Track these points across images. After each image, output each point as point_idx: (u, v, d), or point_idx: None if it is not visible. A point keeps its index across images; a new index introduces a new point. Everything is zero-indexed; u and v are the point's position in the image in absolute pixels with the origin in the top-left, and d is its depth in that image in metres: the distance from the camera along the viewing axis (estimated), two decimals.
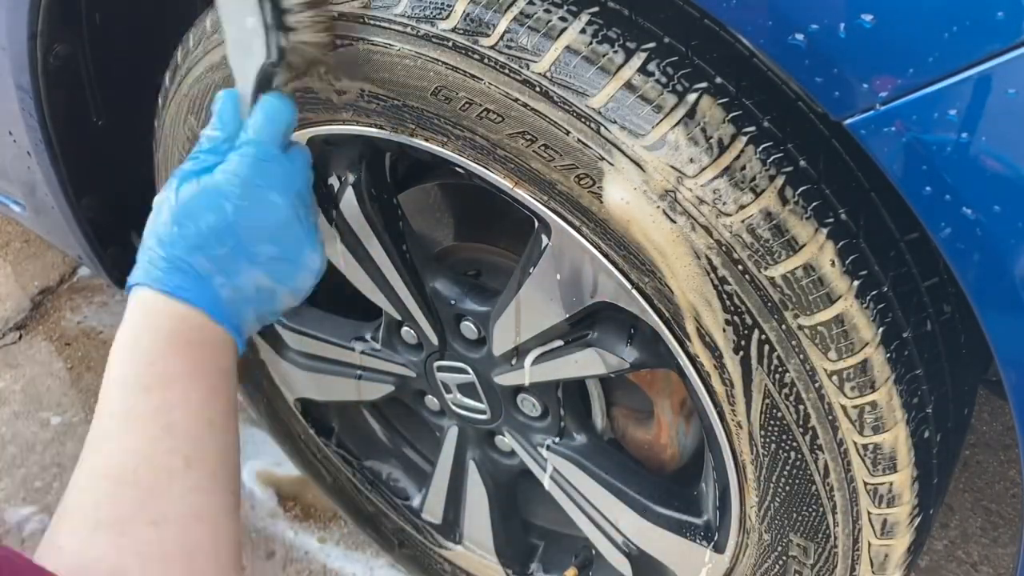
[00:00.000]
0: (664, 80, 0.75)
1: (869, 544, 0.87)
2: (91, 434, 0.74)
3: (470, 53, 0.80)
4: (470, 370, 1.14)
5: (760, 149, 0.75)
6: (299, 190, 0.85)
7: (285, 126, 0.85)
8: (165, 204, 0.81)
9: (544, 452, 1.16)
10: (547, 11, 0.78)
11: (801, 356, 0.77)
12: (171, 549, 0.69)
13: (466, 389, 1.17)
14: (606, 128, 0.76)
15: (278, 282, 0.85)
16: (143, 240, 0.82)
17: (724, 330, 0.80)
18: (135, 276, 0.80)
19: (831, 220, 0.76)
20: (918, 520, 0.87)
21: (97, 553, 0.66)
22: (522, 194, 0.86)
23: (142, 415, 0.74)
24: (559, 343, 1.00)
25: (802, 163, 0.76)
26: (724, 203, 0.74)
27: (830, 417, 0.79)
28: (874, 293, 0.77)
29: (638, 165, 0.76)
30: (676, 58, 0.76)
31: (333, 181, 1.05)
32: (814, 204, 0.75)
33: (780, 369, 0.79)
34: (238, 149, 0.82)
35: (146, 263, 0.80)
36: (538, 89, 0.78)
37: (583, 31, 0.77)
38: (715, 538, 1.02)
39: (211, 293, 0.80)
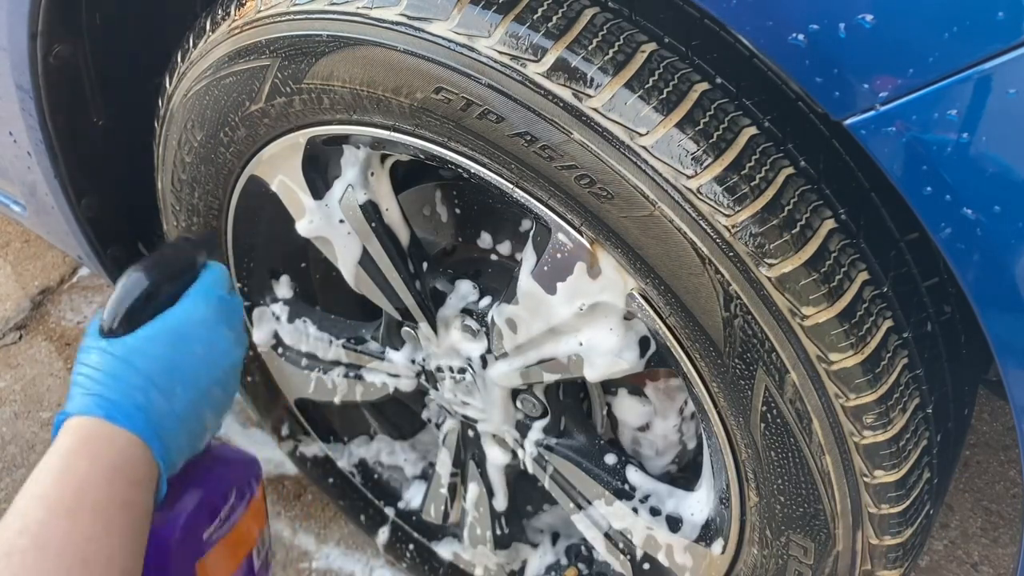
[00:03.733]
0: None
1: (869, 543, 0.87)
2: None
3: None
4: (470, 370, 1.14)
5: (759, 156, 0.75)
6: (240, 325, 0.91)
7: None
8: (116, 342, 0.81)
9: (543, 452, 1.16)
10: None
11: (802, 356, 0.77)
12: None
13: (466, 389, 1.17)
14: None
15: (216, 416, 0.87)
16: (83, 368, 0.80)
17: (724, 329, 0.80)
18: (76, 404, 0.78)
19: (831, 220, 0.76)
20: (918, 519, 0.87)
21: None
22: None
23: (60, 541, 0.69)
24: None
25: (802, 163, 0.76)
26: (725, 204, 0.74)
27: (831, 417, 0.79)
28: (874, 293, 0.77)
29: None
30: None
31: (335, 182, 1.05)
32: (814, 204, 0.75)
33: (780, 369, 0.79)
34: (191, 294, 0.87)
35: (92, 393, 0.78)
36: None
37: None
38: (715, 538, 1.02)
39: (157, 429, 0.79)
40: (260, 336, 1.33)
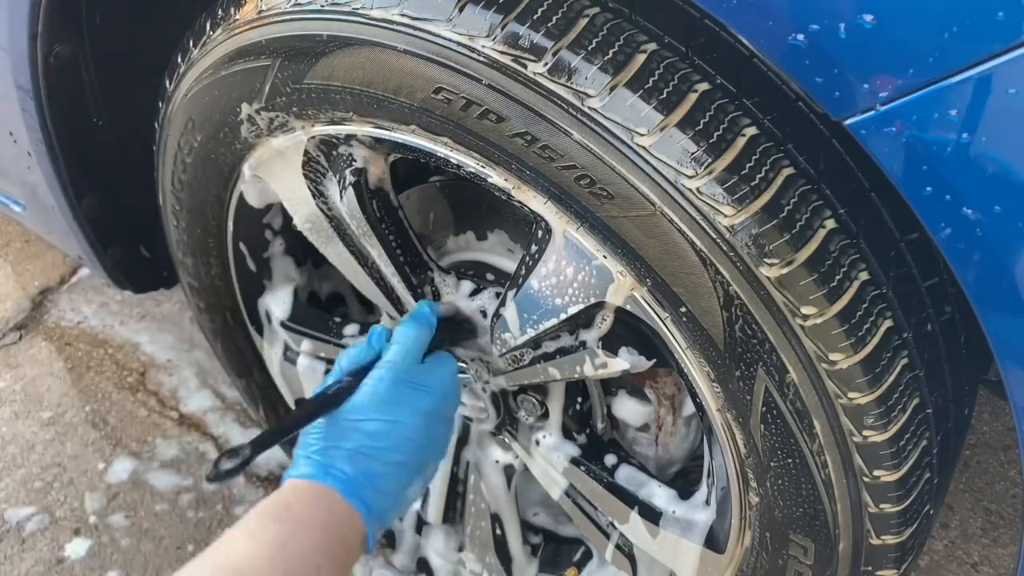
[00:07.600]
0: None
1: (869, 543, 0.87)
2: None
3: None
4: (470, 370, 1.14)
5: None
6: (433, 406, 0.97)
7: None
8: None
9: (544, 451, 1.16)
10: None
11: (802, 356, 0.77)
12: None
13: (466, 388, 1.17)
14: None
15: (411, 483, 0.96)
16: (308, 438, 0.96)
17: (724, 329, 0.80)
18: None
19: (831, 220, 0.76)
20: (918, 519, 0.87)
21: None
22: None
23: None
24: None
25: (802, 163, 0.76)
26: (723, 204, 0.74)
27: (831, 417, 0.79)
28: (874, 293, 0.77)
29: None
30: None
31: (336, 181, 1.05)
32: (814, 204, 0.75)
33: (780, 369, 0.79)
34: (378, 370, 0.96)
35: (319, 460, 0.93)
36: None
37: None
38: (715, 538, 1.02)
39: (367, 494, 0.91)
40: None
